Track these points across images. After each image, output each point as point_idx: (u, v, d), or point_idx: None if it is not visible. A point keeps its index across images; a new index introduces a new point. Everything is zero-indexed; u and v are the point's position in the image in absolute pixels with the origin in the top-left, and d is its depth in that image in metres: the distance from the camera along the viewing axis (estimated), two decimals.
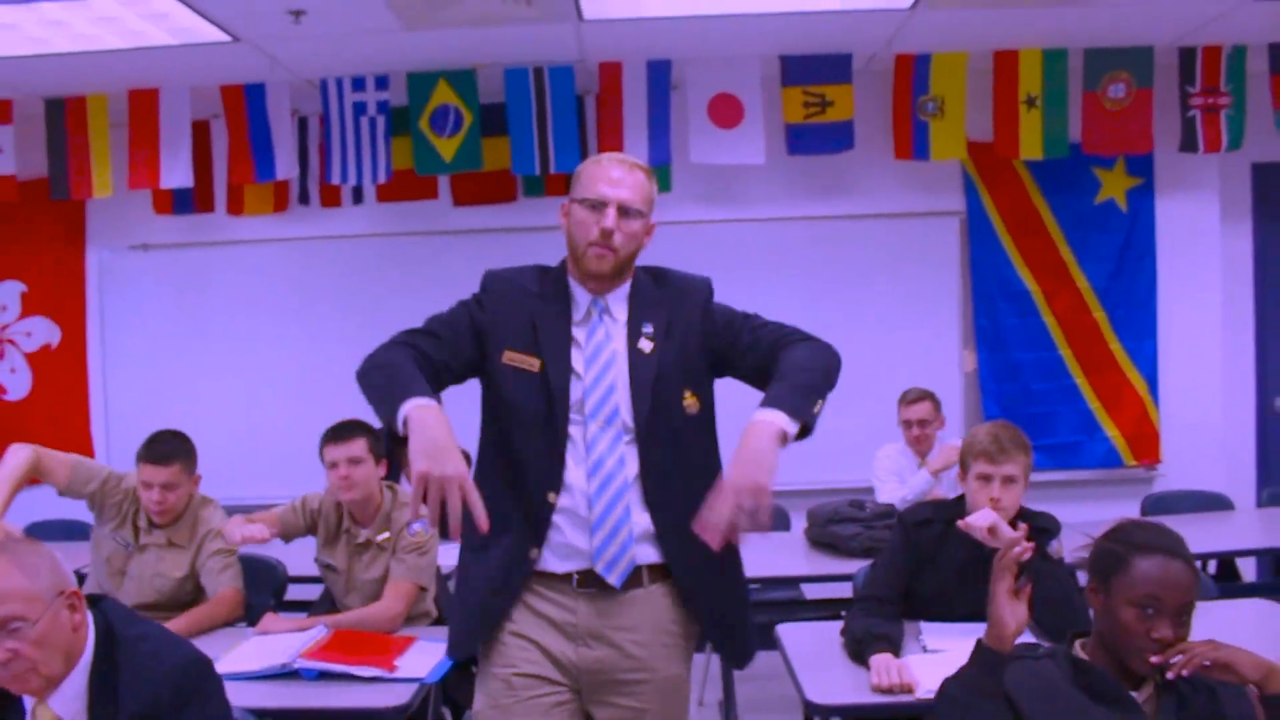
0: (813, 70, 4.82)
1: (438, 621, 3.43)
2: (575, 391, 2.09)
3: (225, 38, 4.15)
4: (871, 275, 5.25)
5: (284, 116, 4.92)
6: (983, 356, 5.26)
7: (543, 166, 4.90)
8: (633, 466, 2.06)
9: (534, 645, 2.03)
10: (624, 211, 2.07)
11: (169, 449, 3.28)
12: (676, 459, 2.08)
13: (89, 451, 5.27)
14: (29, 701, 1.85)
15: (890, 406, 4.54)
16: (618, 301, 2.16)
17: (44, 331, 5.54)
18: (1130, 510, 4.78)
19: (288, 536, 3.39)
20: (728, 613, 2.14)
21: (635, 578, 2.04)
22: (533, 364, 2.10)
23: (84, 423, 5.48)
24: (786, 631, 2.91)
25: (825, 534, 3.95)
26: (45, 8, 3.77)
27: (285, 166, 4.97)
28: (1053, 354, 5.26)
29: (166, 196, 5.32)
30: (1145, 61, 4.87)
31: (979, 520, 2.64)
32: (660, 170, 5.09)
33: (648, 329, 2.14)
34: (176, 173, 4.96)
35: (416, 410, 1.79)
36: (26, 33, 4.07)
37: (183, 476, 3.28)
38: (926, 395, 4.47)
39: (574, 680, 2.04)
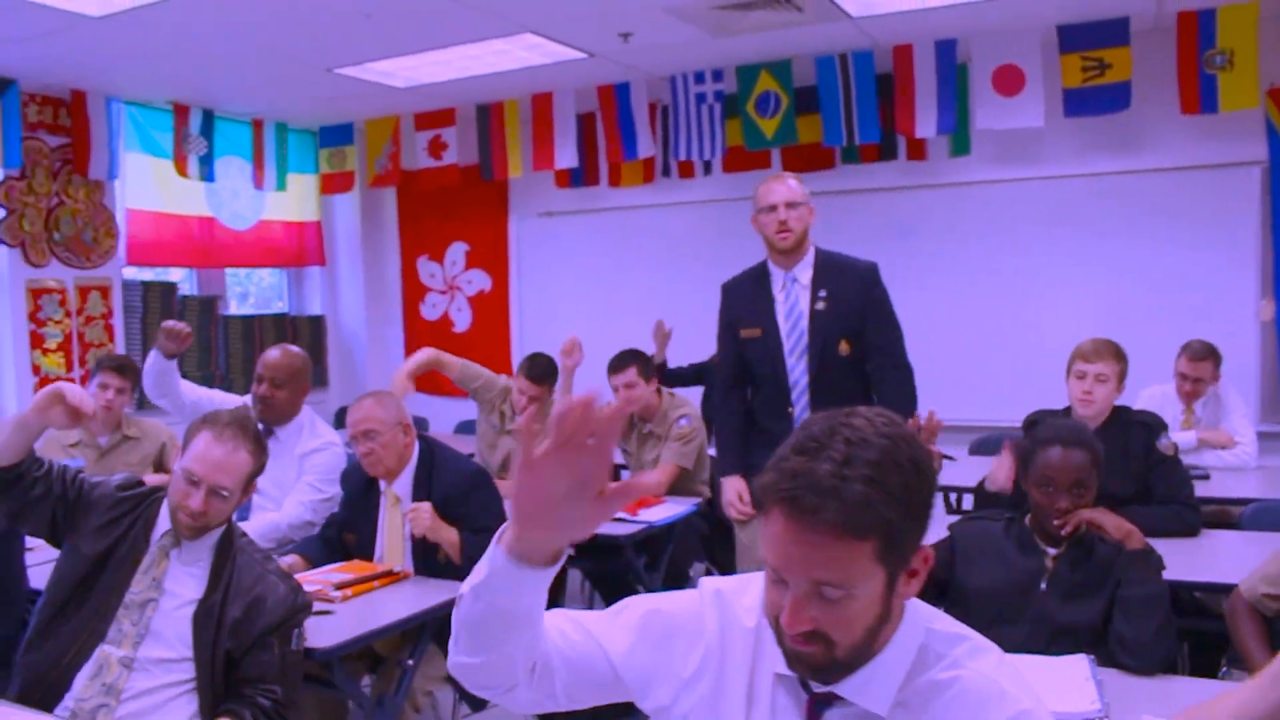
0: (1090, 36, 5.16)
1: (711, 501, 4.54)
2: (784, 341, 3.45)
3: (584, 55, 5.41)
4: (1165, 227, 5.46)
5: (643, 107, 6.12)
6: None
7: (848, 138, 5.70)
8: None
9: None
10: (791, 204, 3.35)
11: (542, 370, 4.65)
12: (834, 378, 3.37)
13: (509, 371, 6.90)
14: (383, 484, 3.21)
15: (1168, 355, 4.75)
16: (803, 271, 3.46)
17: (480, 280, 7.29)
18: None
19: None
20: None
21: None
22: (756, 332, 3.50)
23: (506, 349, 7.14)
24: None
25: None
26: (466, 49, 5.23)
27: (645, 147, 6.19)
28: None
29: (565, 174, 6.76)
30: None
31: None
32: (959, 137, 5.72)
33: (822, 294, 3.43)
34: (566, 155, 6.37)
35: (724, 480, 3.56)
36: (456, 65, 5.58)
37: (545, 393, 4.64)
38: (1210, 355, 4.60)
39: None
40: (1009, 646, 2.32)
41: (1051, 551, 2.47)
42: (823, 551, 1.16)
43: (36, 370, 5.58)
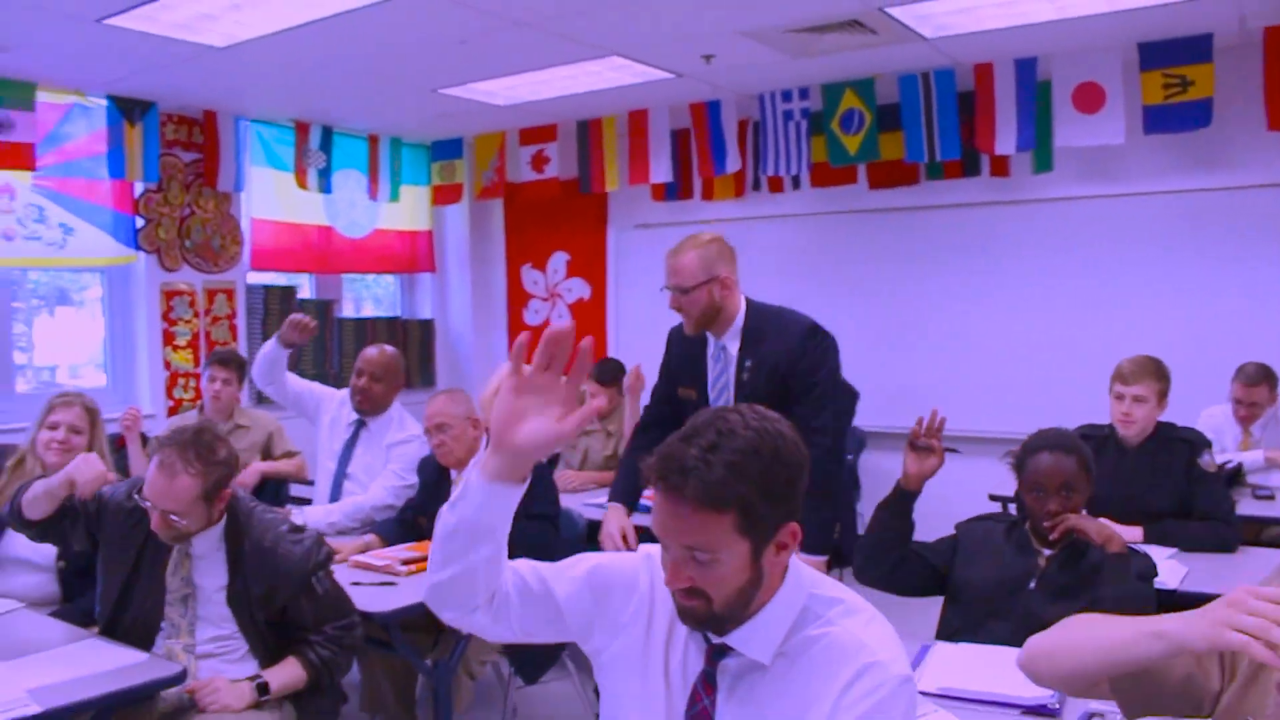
0: (1172, 53, 5.16)
1: None
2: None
3: (671, 76, 5.67)
4: (1249, 244, 5.42)
5: (733, 124, 6.34)
6: None
7: (930, 154, 5.82)
8: None
9: None
10: (681, 290, 3.12)
11: (610, 373, 5.00)
12: None
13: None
14: (454, 473, 3.54)
15: None
16: (731, 340, 3.25)
17: (579, 288, 7.63)
18: None
19: None
20: None
21: None
22: (692, 394, 3.34)
23: (602, 355, 7.41)
24: None
25: None
26: (558, 70, 5.55)
27: (734, 162, 6.41)
28: None
29: (660, 188, 7.01)
30: None
31: None
32: (1041, 153, 5.76)
33: (748, 364, 3.22)
34: (660, 170, 6.63)
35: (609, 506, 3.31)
36: (555, 85, 5.87)
37: (613, 394, 4.99)
38: (1266, 378, 4.68)
39: None
40: (997, 640, 2.51)
41: (1046, 553, 2.62)
42: (688, 521, 1.42)
43: (168, 365, 6.11)
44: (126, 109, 5.70)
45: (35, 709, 2.19)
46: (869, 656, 1.45)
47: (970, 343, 6.15)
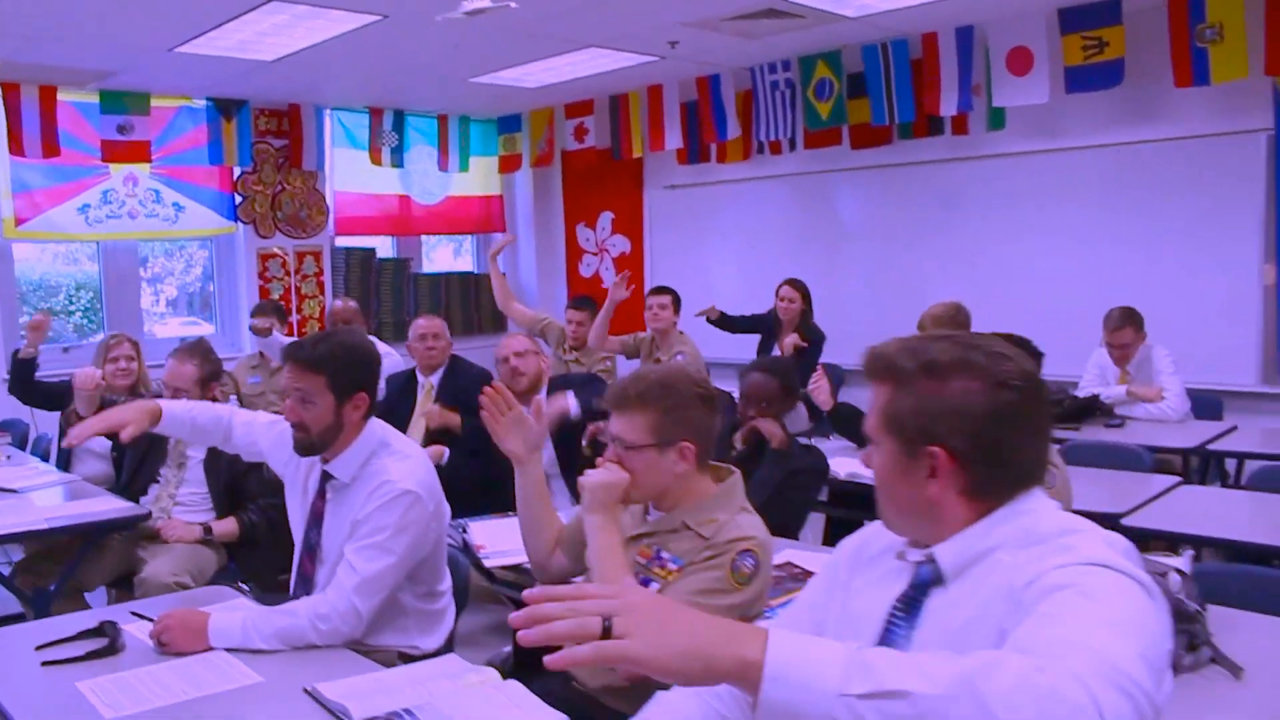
0: (1087, 16, 5.68)
1: None
2: None
3: (656, 58, 6.58)
4: (1176, 194, 5.88)
5: (730, 95, 7.19)
6: None
7: (890, 117, 6.51)
8: None
9: None
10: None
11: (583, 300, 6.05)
12: None
13: (640, 317, 8.26)
14: (421, 379, 4.67)
15: (1176, 317, 5.58)
16: None
17: (622, 244, 8.65)
18: None
19: None
20: None
21: None
22: None
23: (641, 301, 8.39)
24: None
25: None
26: (554, 60, 6.53)
27: (733, 129, 7.25)
28: None
29: (684, 153, 7.88)
30: None
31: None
32: (995, 113, 6.37)
33: None
34: (673, 137, 7.53)
35: None
36: (586, 65, 6.83)
37: (587, 318, 6.01)
38: (1128, 322, 5.22)
39: None
40: None
41: (739, 447, 3.53)
42: (298, 375, 2.48)
43: None
44: (224, 108, 7.08)
45: (46, 525, 3.48)
46: (386, 477, 2.48)
47: (936, 287, 6.81)
